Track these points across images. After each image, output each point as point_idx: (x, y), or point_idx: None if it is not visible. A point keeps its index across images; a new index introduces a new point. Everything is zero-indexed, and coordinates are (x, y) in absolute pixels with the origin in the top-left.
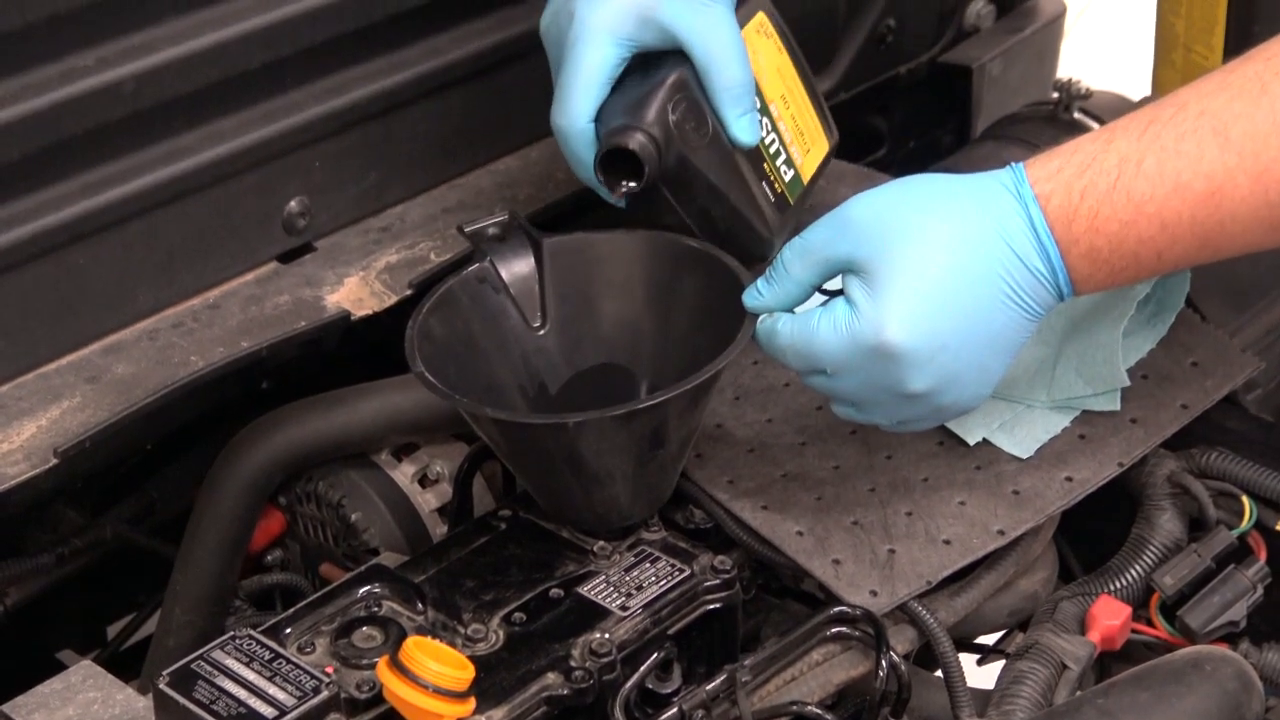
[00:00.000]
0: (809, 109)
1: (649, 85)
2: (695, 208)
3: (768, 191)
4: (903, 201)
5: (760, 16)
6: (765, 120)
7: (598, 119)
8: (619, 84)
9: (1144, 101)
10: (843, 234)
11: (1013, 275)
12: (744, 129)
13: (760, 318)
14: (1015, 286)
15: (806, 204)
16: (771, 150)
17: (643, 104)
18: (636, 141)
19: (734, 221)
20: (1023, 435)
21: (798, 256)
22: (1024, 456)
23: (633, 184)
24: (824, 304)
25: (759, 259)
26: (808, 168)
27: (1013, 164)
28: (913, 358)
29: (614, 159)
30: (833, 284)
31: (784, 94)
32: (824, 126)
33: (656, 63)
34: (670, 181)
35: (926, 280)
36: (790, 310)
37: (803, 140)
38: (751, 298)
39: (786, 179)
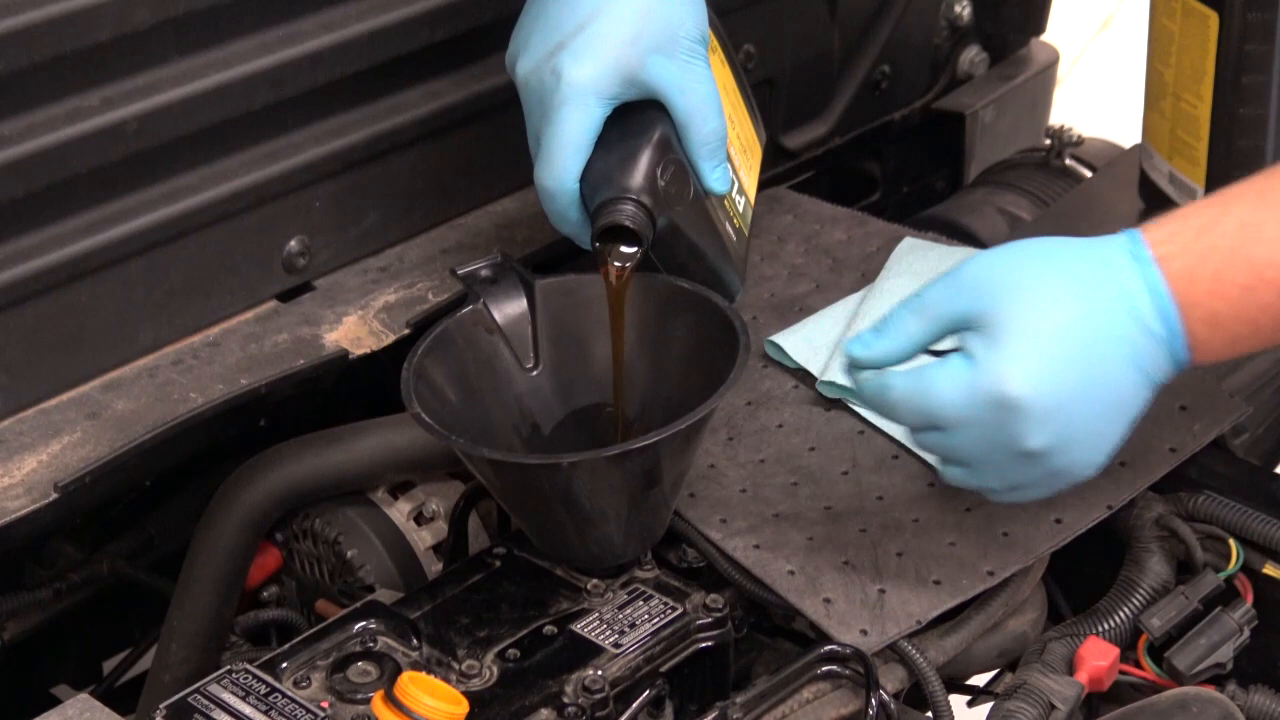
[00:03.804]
0: (746, 119)
1: (633, 144)
2: (675, 263)
3: (730, 231)
4: (1020, 260)
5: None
6: None
7: (583, 178)
8: (601, 138)
9: (1134, 149)
10: (960, 291)
11: (1132, 337)
12: (718, 180)
13: (865, 374)
14: (1135, 348)
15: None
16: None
17: (631, 168)
18: (630, 216)
19: (707, 273)
20: None
21: (914, 313)
22: None
23: (628, 260)
24: (936, 361)
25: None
26: (752, 187)
27: (1126, 229)
28: (1032, 410)
29: (609, 231)
30: (941, 344)
31: (730, 114)
32: (757, 131)
33: (636, 115)
34: (656, 243)
35: (1046, 334)
36: (893, 366)
37: (746, 159)
38: (859, 348)
39: (740, 208)
